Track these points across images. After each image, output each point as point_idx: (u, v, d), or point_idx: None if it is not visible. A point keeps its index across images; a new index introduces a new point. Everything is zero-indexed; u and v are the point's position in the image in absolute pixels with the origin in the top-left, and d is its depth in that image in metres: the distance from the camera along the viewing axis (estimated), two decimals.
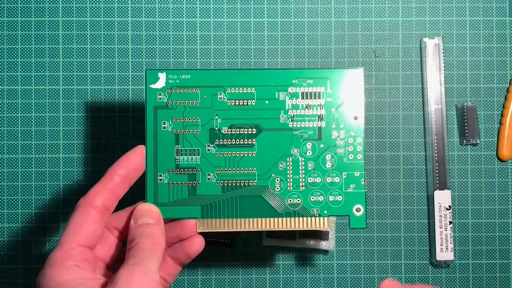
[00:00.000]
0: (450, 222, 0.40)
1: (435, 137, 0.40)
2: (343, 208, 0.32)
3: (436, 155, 0.40)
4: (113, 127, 0.41)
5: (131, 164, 0.30)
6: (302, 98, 0.32)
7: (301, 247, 0.40)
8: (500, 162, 0.41)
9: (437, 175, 0.40)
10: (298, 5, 0.41)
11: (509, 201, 0.41)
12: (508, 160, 0.41)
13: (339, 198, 0.31)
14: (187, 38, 0.41)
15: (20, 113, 0.41)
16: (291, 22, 0.41)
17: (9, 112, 0.41)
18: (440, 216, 0.40)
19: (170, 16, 0.41)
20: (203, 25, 0.41)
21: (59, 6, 0.41)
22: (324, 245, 0.40)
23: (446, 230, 0.40)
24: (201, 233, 0.32)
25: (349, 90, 0.32)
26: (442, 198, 0.40)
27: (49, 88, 0.41)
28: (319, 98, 0.32)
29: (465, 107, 0.41)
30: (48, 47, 0.41)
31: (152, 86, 0.31)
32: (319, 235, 0.40)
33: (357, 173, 0.32)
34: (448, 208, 0.40)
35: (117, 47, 0.41)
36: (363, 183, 0.32)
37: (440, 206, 0.40)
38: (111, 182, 0.29)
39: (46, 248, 0.41)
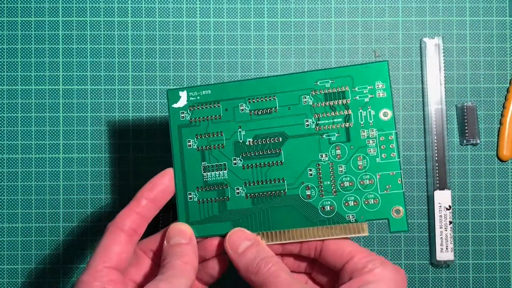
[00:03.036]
0: (450, 222, 0.40)
1: (435, 137, 0.40)
2: (380, 212, 0.30)
3: (436, 155, 0.40)
4: (113, 127, 0.41)
5: (158, 187, 0.30)
6: (326, 100, 0.30)
7: None
8: (500, 162, 0.41)
9: (437, 175, 0.40)
10: (298, 5, 0.41)
11: (509, 201, 0.41)
12: (508, 160, 0.41)
13: (375, 201, 0.30)
14: (187, 38, 0.41)
15: (20, 113, 0.41)
16: (291, 22, 0.41)
17: (9, 112, 0.41)
18: (440, 216, 0.40)
19: (170, 16, 0.41)
20: (203, 25, 0.41)
21: (59, 6, 0.41)
22: None
23: (446, 230, 0.40)
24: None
25: (375, 84, 0.30)
26: (442, 198, 0.40)
27: (49, 88, 0.41)
28: (344, 97, 0.30)
29: (465, 107, 0.41)
30: (48, 47, 0.41)
31: (175, 105, 0.31)
32: None
33: (392, 173, 0.30)
34: (448, 208, 0.40)
35: (117, 47, 0.41)
36: (400, 182, 0.30)
37: (440, 206, 0.40)
38: (138, 205, 0.30)
39: (45, 248, 0.41)
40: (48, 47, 0.41)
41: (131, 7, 0.41)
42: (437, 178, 0.40)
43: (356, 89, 0.30)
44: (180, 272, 0.28)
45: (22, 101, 0.41)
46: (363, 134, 0.30)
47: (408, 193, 0.41)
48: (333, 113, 0.30)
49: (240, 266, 0.29)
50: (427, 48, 0.41)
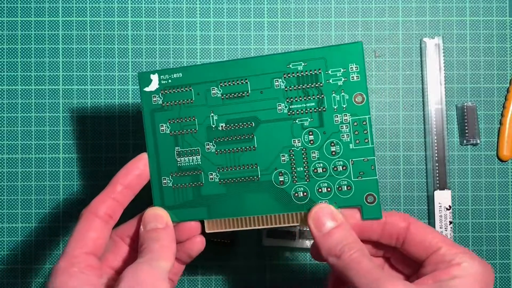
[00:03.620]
0: (450, 222, 0.40)
1: (435, 137, 0.40)
2: (353, 198, 0.29)
3: (436, 155, 0.40)
4: (113, 127, 0.41)
5: (133, 172, 0.30)
6: (299, 83, 0.29)
7: (301, 247, 0.40)
8: (500, 162, 0.41)
9: (437, 175, 0.40)
10: (298, 5, 0.41)
11: (509, 201, 0.41)
12: (508, 160, 0.41)
13: (349, 187, 0.29)
14: (187, 38, 0.41)
15: (20, 113, 0.41)
16: (291, 22, 0.41)
17: (9, 112, 0.41)
18: (440, 216, 0.40)
19: (170, 16, 0.41)
20: (203, 25, 0.41)
21: (59, 6, 0.41)
22: None
23: (446, 230, 0.40)
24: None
25: (349, 67, 0.29)
26: (442, 198, 0.40)
27: (49, 88, 0.41)
28: (317, 81, 0.29)
29: (465, 107, 0.41)
30: (48, 47, 0.41)
31: (146, 89, 0.31)
32: None
33: (366, 159, 0.29)
34: (448, 208, 0.40)
35: (117, 47, 0.41)
36: (373, 169, 0.29)
37: (440, 206, 0.40)
38: (113, 191, 0.29)
39: (45, 248, 0.41)
40: (48, 47, 0.41)
41: (131, 7, 0.41)
42: (437, 178, 0.40)
43: (329, 72, 0.29)
44: (159, 255, 0.27)
45: (22, 101, 0.41)
46: (336, 119, 0.29)
47: (408, 193, 0.41)
48: (306, 97, 0.29)
49: (323, 246, 0.28)
50: (427, 48, 0.40)
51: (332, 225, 0.28)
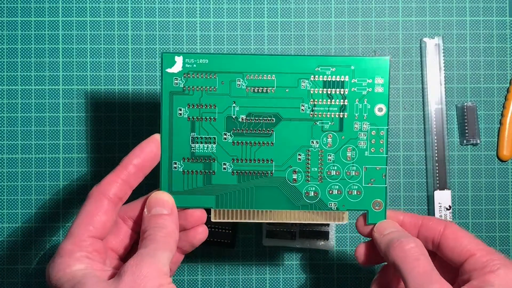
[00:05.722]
0: None
1: (435, 137, 0.40)
2: (362, 203, 0.30)
3: (436, 155, 0.40)
4: (113, 127, 0.41)
5: (146, 153, 0.29)
6: (324, 87, 0.30)
7: (301, 247, 0.40)
8: (500, 162, 0.41)
9: (437, 175, 0.40)
10: (298, 5, 0.41)
11: (509, 201, 0.41)
12: (508, 160, 0.41)
13: (359, 192, 0.30)
14: (187, 38, 0.41)
15: (20, 113, 0.41)
16: (291, 22, 0.41)
17: (9, 112, 0.41)
18: (440, 216, 0.40)
19: (170, 16, 0.41)
20: (203, 25, 0.41)
21: (59, 6, 0.41)
22: (324, 245, 0.40)
23: None
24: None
25: (374, 79, 0.30)
26: (442, 198, 0.40)
27: (49, 88, 0.41)
28: (342, 87, 0.30)
29: (465, 107, 0.41)
30: (48, 47, 0.41)
31: (169, 70, 0.30)
32: (319, 235, 0.40)
33: (378, 167, 0.30)
34: (448, 208, 0.40)
35: (117, 47, 0.41)
36: (384, 177, 0.30)
37: (440, 206, 0.40)
38: (125, 171, 0.28)
39: (46, 248, 0.41)
40: (48, 47, 0.41)
41: (131, 7, 0.41)
42: (437, 178, 0.40)
43: (356, 80, 0.30)
44: (162, 245, 0.27)
45: (22, 101, 0.41)
46: (356, 126, 0.30)
47: (408, 193, 0.41)
48: (329, 101, 0.30)
49: (382, 243, 0.29)
50: (427, 48, 0.40)
51: (393, 230, 0.30)
